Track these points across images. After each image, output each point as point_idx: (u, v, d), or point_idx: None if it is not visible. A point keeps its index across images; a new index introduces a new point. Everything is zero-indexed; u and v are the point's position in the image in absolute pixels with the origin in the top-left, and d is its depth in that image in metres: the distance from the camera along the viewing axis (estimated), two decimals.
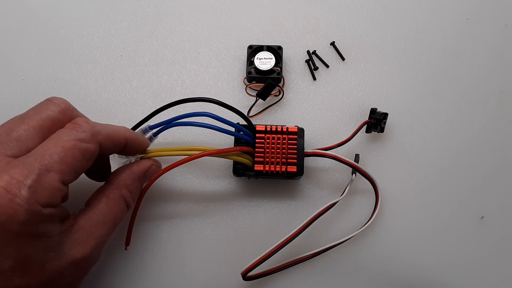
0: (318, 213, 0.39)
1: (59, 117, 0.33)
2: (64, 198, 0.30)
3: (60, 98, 0.34)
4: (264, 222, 0.43)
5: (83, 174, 0.36)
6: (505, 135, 0.46)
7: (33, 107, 0.33)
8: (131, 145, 0.36)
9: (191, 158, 0.37)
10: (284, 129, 0.41)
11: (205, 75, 0.48)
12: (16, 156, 0.29)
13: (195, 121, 0.38)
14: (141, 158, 0.39)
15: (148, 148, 0.40)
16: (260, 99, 0.45)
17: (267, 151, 0.40)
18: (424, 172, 0.44)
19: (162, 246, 0.42)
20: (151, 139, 0.40)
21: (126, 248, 0.39)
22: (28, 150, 0.30)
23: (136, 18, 0.50)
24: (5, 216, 0.26)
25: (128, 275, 0.41)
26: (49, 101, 0.33)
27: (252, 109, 0.45)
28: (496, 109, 0.46)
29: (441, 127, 0.46)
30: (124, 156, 0.39)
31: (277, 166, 0.40)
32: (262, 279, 0.39)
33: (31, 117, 0.32)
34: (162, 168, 0.38)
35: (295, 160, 0.40)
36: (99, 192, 0.34)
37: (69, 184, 0.30)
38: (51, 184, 0.28)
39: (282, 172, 0.40)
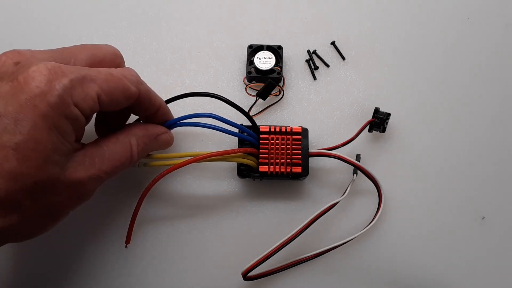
0: (319, 213, 0.39)
1: (111, 57, 0.35)
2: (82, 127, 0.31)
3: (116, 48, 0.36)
4: (265, 223, 0.42)
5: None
6: (506, 135, 0.45)
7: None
8: (162, 114, 0.38)
9: (196, 159, 0.37)
10: (288, 130, 0.40)
11: (205, 75, 0.47)
12: None
13: (199, 121, 0.38)
14: (145, 165, 0.39)
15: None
16: (260, 99, 0.44)
17: (272, 152, 0.39)
18: (424, 172, 0.44)
19: (163, 247, 0.41)
20: None
21: (126, 246, 0.38)
22: None
23: (136, 18, 0.49)
24: (39, 90, 0.27)
25: (128, 275, 0.41)
26: (107, 44, 0.36)
27: (252, 109, 0.44)
28: (497, 109, 0.46)
29: (442, 127, 0.45)
30: None
31: (282, 167, 0.39)
32: (262, 279, 0.38)
33: (88, 46, 0.34)
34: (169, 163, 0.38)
35: (300, 161, 0.39)
36: (110, 134, 0.34)
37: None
38: (90, 91, 0.29)
39: (287, 173, 0.39)
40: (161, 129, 0.38)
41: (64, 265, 0.41)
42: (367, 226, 0.41)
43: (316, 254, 0.39)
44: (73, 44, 0.35)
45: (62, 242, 0.41)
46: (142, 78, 0.35)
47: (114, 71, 0.32)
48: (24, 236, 0.31)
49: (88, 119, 0.34)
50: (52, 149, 0.28)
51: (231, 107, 0.39)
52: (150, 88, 0.35)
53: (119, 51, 0.36)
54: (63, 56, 0.32)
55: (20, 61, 0.29)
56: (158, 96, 0.37)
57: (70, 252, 0.41)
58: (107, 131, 0.37)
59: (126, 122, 0.39)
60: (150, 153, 0.39)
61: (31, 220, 0.30)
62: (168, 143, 0.39)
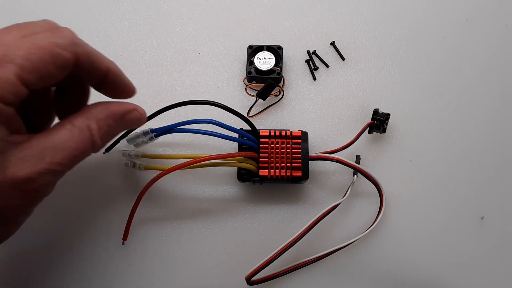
0: (321, 215, 0.37)
1: (46, 29, 0.28)
2: (32, 107, 0.27)
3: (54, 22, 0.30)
4: (266, 225, 0.40)
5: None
6: (505, 135, 0.44)
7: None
8: (112, 80, 0.31)
9: (195, 162, 0.35)
10: (288, 133, 0.39)
11: (205, 75, 0.45)
12: None
13: (199, 128, 0.36)
14: (145, 168, 0.38)
15: (144, 128, 0.37)
16: (260, 99, 0.43)
17: (272, 156, 0.38)
18: (424, 172, 0.42)
19: (163, 248, 0.40)
20: (151, 139, 0.38)
21: (123, 243, 0.38)
22: None
23: (136, 18, 0.47)
24: None
25: (128, 275, 0.39)
26: (44, 19, 0.29)
27: (252, 109, 0.43)
28: (497, 109, 0.44)
29: (441, 127, 0.44)
30: (132, 140, 0.38)
31: (282, 170, 0.38)
32: (266, 283, 0.37)
33: (21, 25, 0.28)
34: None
35: (300, 165, 0.38)
36: (65, 119, 0.29)
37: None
38: (5, 75, 0.24)
39: (287, 176, 0.38)
40: (128, 105, 0.31)
41: (63, 263, 0.39)
42: (369, 227, 0.39)
43: (319, 256, 0.37)
44: None
45: (60, 241, 0.40)
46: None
47: (39, 39, 0.26)
48: None
49: (19, 105, 0.28)
50: None
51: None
52: (92, 50, 0.29)
53: (55, 23, 0.29)
54: None
55: None
56: (107, 59, 0.30)
57: (69, 251, 0.39)
58: (67, 112, 0.31)
59: (87, 98, 0.33)
60: (148, 153, 0.38)
61: None
62: (139, 120, 0.32)
